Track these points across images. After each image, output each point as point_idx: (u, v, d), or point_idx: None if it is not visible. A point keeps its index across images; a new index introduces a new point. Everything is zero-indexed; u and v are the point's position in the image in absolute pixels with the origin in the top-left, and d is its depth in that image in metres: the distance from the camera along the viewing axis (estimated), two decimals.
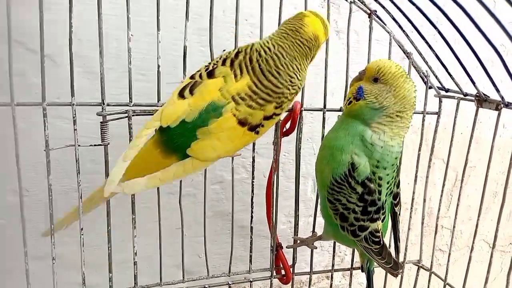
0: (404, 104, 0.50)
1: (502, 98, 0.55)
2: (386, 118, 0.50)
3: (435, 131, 0.66)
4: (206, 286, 0.62)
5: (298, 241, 0.66)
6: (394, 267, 0.58)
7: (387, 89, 0.50)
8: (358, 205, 0.53)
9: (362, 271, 0.65)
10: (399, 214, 0.61)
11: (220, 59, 0.50)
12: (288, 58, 0.49)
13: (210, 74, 0.48)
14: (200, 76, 0.49)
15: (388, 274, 0.72)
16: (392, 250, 0.64)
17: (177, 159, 0.48)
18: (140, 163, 0.49)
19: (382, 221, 0.56)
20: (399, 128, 0.51)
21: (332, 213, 0.56)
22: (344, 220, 0.55)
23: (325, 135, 0.57)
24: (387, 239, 0.66)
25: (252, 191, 0.62)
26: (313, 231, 0.68)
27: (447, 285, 0.69)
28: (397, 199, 0.59)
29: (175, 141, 0.48)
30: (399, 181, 0.59)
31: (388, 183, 0.54)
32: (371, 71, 0.51)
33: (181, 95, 0.48)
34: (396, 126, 0.51)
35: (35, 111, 0.56)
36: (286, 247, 0.67)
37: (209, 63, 0.50)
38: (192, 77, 0.50)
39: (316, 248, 0.66)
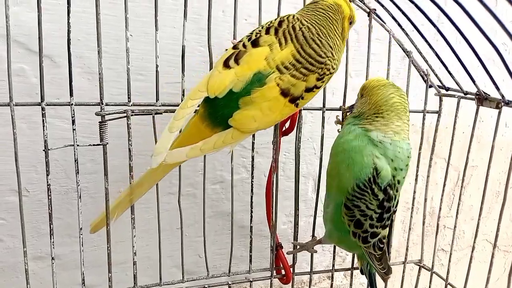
0: (379, 107, 0.52)
1: (503, 96, 0.55)
2: (366, 121, 0.52)
3: (436, 130, 0.66)
4: (206, 286, 0.62)
5: (298, 247, 0.65)
6: (387, 272, 0.59)
7: (366, 100, 0.54)
8: (376, 212, 0.52)
9: (362, 273, 0.65)
10: (393, 219, 0.60)
11: (262, 28, 0.49)
12: (326, 29, 0.49)
13: (255, 43, 0.48)
14: (244, 45, 0.48)
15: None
16: None
17: (220, 130, 0.48)
18: (185, 135, 0.49)
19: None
20: (385, 125, 0.51)
21: (347, 220, 0.54)
22: (358, 227, 0.53)
23: (335, 143, 0.55)
24: None
25: (252, 190, 0.62)
26: (313, 234, 0.67)
27: (448, 285, 0.68)
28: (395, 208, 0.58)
29: (220, 112, 0.48)
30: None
31: (401, 188, 0.53)
32: (360, 90, 0.56)
33: (226, 65, 0.48)
34: (381, 124, 0.51)
35: (35, 111, 0.56)
36: (287, 253, 0.66)
37: (251, 33, 0.50)
38: (235, 47, 0.49)
39: (316, 252, 0.66)
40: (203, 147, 0.48)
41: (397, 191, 0.52)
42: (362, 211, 0.52)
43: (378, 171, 0.50)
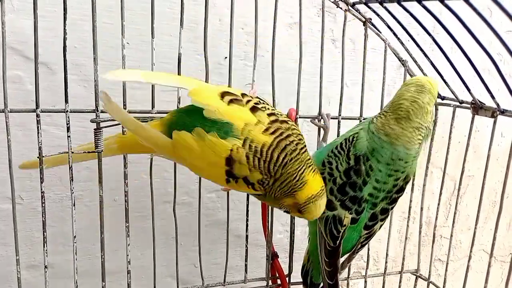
0: (388, 105, 0.53)
1: (498, 105, 0.55)
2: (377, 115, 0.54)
3: (432, 139, 0.66)
4: None
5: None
6: (334, 286, 0.57)
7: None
8: (341, 177, 0.53)
9: (302, 279, 0.63)
10: (356, 250, 0.59)
11: (270, 109, 0.48)
12: (300, 155, 0.47)
13: (253, 108, 0.47)
14: (247, 101, 0.47)
15: (387, 283, 0.72)
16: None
17: (163, 130, 0.47)
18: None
19: (352, 222, 0.55)
20: (382, 124, 0.52)
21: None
22: None
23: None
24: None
25: (248, 199, 0.62)
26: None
27: None
28: (371, 224, 0.56)
29: (180, 119, 0.47)
30: (386, 213, 0.56)
31: (377, 182, 0.53)
32: None
33: (222, 96, 0.47)
34: (379, 122, 0.52)
35: (30, 118, 0.56)
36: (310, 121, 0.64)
37: (264, 101, 0.49)
38: (243, 94, 0.48)
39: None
40: (137, 128, 0.47)
41: (367, 176, 0.52)
42: (331, 169, 0.54)
43: (356, 137, 0.53)
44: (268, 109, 0.48)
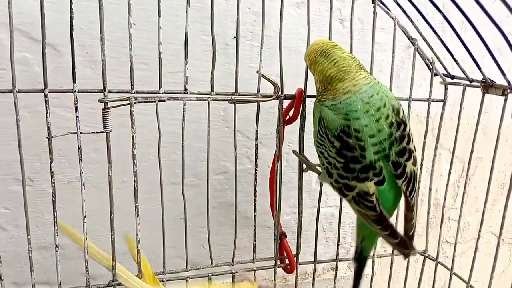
0: (324, 83, 0.53)
1: (509, 82, 0.55)
2: (321, 96, 0.54)
3: (441, 119, 0.66)
4: (210, 274, 0.62)
5: (302, 157, 0.65)
6: (404, 246, 0.56)
7: (314, 76, 0.56)
8: (338, 161, 0.53)
9: (354, 260, 0.62)
10: (410, 193, 0.56)
11: None
12: None
13: None
14: None
15: (394, 264, 0.72)
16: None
17: None
18: None
19: (378, 185, 0.53)
20: (333, 93, 0.52)
21: (323, 168, 0.57)
22: (330, 175, 0.55)
23: None
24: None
25: (255, 179, 0.62)
26: (317, 225, 0.67)
27: (453, 275, 0.68)
28: (400, 171, 0.53)
29: None
30: (406, 152, 0.53)
31: (372, 137, 0.51)
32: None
33: None
34: (330, 94, 0.53)
35: (38, 100, 0.56)
36: (292, 151, 0.66)
37: None
38: None
39: (320, 173, 0.63)
40: None
41: (359, 140, 0.51)
42: (326, 158, 0.55)
43: (323, 119, 0.53)
44: None
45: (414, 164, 0.55)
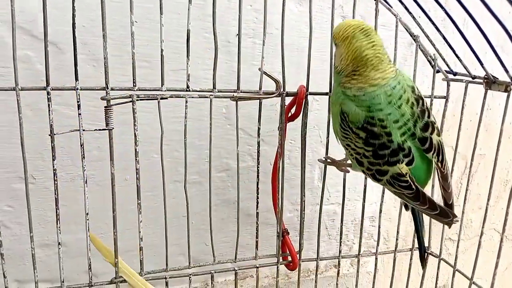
0: (356, 64, 0.51)
1: None
2: (347, 79, 0.52)
3: (443, 116, 0.66)
4: (213, 272, 0.62)
5: (329, 160, 0.65)
6: (445, 215, 0.56)
7: (340, 52, 0.52)
8: (366, 150, 0.53)
9: (406, 209, 0.62)
10: (442, 163, 0.56)
11: None
12: None
13: None
14: None
15: (397, 261, 0.72)
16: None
17: None
18: None
19: (409, 165, 0.53)
20: (363, 82, 0.51)
21: (352, 159, 0.57)
22: (360, 164, 0.56)
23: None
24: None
25: (258, 176, 0.62)
26: (319, 223, 0.67)
27: (456, 272, 0.68)
28: (427, 145, 0.54)
29: None
30: (429, 126, 0.54)
31: (397, 122, 0.52)
32: (333, 39, 0.54)
33: None
34: (358, 81, 0.52)
35: (40, 98, 0.56)
36: (318, 160, 0.66)
37: None
38: None
39: (348, 172, 0.64)
40: None
41: (384, 127, 0.51)
42: (353, 149, 0.55)
43: (346, 114, 0.53)
44: None
45: (438, 135, 0.55)
